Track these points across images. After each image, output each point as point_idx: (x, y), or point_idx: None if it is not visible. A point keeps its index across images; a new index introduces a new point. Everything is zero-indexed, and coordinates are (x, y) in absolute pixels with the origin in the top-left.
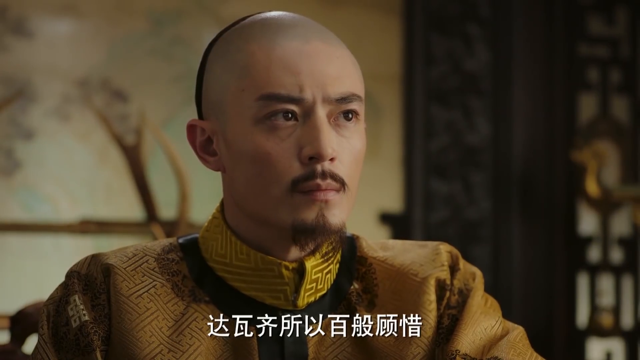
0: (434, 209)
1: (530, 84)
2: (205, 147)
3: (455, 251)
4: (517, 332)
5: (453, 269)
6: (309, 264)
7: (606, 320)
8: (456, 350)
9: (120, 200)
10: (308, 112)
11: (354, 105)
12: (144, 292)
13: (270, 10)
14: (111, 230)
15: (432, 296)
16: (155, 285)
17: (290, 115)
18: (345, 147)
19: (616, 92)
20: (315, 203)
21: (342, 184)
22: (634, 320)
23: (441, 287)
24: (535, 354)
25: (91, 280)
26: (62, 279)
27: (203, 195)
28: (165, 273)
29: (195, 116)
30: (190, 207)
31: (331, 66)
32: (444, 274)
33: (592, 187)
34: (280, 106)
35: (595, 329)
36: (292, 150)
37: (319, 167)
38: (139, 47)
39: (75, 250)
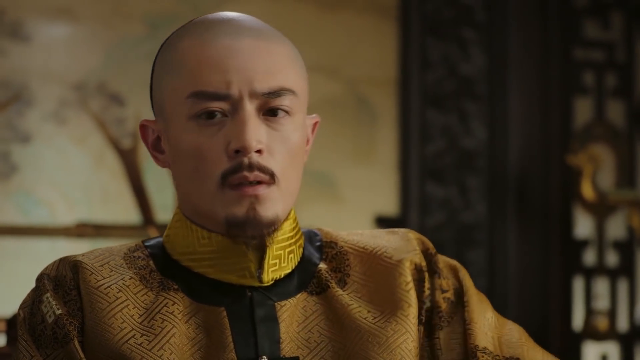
0: (430, 213)
1: (525, 88)
2: (156, 145)
3: (424, 238)
4: (520, 329)
5: (426, 253)
6: (269, 240)
7: (602, 323)
8: (475, 345)
9: (116, 203)
10: (235, 107)
11: (284, 100)
12: (112, 284)
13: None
14: (108, 234)
15: (409, 277)
16: (124, 278)
17: (216, 114)
18: (277, 140)
19: (611, 96)
20: (245, 198)
21: (271, 176)
22: (629, 323)
23: (418, 270)
24: (540, 347)
25: (61, 279)
26: None
27: None
28: (133, 267)
29: None
30: None
31: (260, 61)
32: (418, 258)
33: (587, 190)
34: (207, 104)
35: (591, 333)
36: (221, 144)
37: (245, 160)
38: (135, 51)
39: (71, 253)
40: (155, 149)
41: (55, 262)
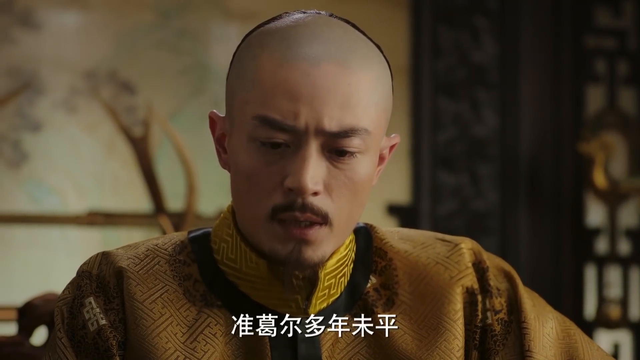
0: (442, 201)
1: (537, 76)
2: (221, 141)
3: (477, 248)
4: (581, 335)
5: (478, 267)
6: (323, 272)
7: (614, 311)
8: None
9: (127, 192)
10: (299, 141)
11: (353, 141)
12: (157, 297)
13: (294, 10)
14: (118, 222)
15: (458, 305)
16: (168, 290)
17: (279, 144)
18: (339, 179)
19: (623, 84)
20: (291, 238)
21: (324, 219)
22: None
23: (470, 293)
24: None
25: (104, 282)
26: (69, 270)
27: (210, 187)
28: (177, 277)
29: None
30: (198, 199)
31: (335, 94)
32: (470, 280)
33: (599, 178)
34: (271, 133)
35: (603, 321)
36: (277, 176)
37: (299, 200)
38: (146, 39)
39: (82, 242)
40: (220, 144)
41: (97, 257)
